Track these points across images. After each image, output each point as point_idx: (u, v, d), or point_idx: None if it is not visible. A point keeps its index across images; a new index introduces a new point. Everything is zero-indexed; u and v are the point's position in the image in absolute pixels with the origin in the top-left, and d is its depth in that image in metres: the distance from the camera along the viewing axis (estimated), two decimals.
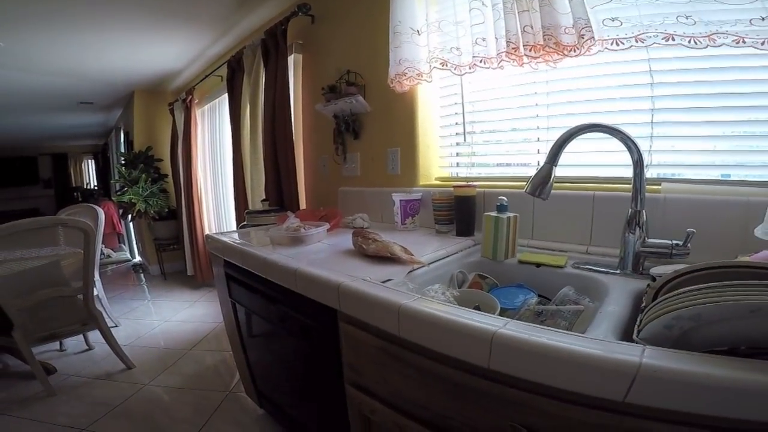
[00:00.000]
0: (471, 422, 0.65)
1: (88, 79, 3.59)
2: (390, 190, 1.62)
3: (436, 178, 1.66)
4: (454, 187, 1.35)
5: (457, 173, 1.62)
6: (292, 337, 1.15)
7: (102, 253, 4.90)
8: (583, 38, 0.99)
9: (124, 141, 5.01)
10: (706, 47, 0.87)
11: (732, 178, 0.98)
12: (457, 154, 1.61)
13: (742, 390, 0.41)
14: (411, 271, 1.00)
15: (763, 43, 0.81)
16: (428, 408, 0.72)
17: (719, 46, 0.85)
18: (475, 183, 1.36)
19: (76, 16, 2.26)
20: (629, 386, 0.46)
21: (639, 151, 0.86)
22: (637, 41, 0.95)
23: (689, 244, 0.83)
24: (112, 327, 2.56)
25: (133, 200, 3.89)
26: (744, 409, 0.41)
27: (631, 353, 0.48)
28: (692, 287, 0.52)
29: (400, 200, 1.51)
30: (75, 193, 8.49)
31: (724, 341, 0.50)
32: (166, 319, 3.04)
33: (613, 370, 0.47)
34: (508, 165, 1.45)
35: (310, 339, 1.05)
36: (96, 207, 2.71)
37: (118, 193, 4.18)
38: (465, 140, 1.53)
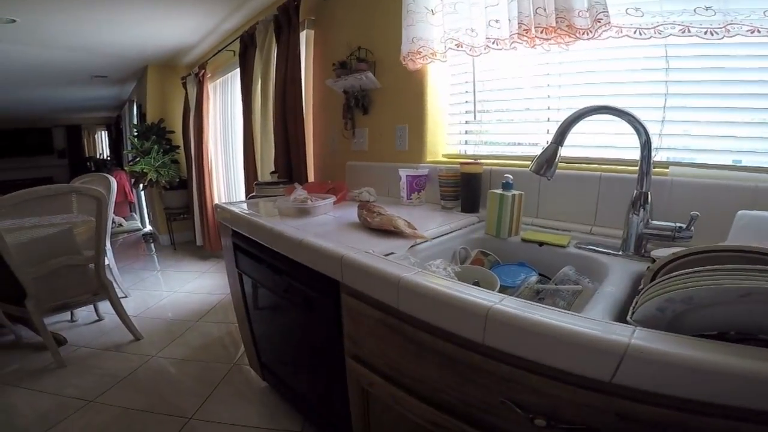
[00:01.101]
0: (463, 397, 0.67)
1: (102, 54, 3.59)
2: (397, 166, 1.62)
3: (444, 155, 1.65)
4: (460, 164, 1.35)
5: (465, 150, 1.62)
6: (295, 309, 1.18)
7: (113, 222, 4.98)
8: (599, 22, 0.97)
9: (137, 113, 5.03)
10: (722, 38, 0.85)
11: (743, 164, 0.97)
12: (466, 132, 1.60)
13: (727, 375, 0.41)
14: (414, 246, 1.00)
15: None
16: (424, 381, 0.74)
17: (733, 36, 0.83)
18: (482, 161, 1.36)
19: None
20: (617, 366, 0.46)
21: (647, 133, 0.85)
22: (655, 32, 0.93)
23: (693, 228, 0.83)
24: (121, 297, 2.59)
25: (144, 170, 3.94)
26: (729, 395, 0.42)
27: (620, 333, 0.48)
28: (686, 270, 0.52)
29: (407, 175, 1.52)
30: (88, 163, 8.61)
31: (715, 326, 0.50)
32: (175, 290, 3.10)
33: (601, 350, 0.47)
34: (518, 144, 1.44)
35: (312, 311, 1.08)
36: (108, 176, 2.75)
37: (131, 163, 4.23)
38: (475, 118, 1.52)
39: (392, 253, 0.92)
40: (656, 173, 0.95)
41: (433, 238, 1.08)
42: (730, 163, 0.98)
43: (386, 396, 0.83)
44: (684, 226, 0.84)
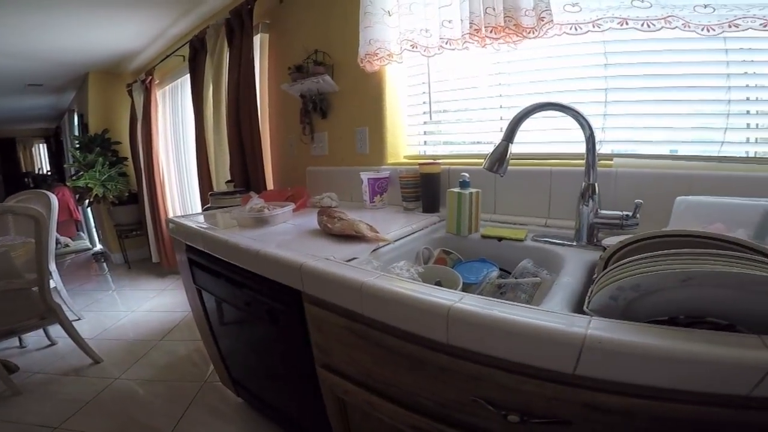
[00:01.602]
0: (437, 398, 0.67)
1: (37, 60, 3.34)
2: (359, 169, 1.62)
3: (405, 157, 1.66)
4: (419, 164, 1.36)
5: (424, 151, 1.63)
6: (260, 322, 1.14)
7: (59, 243, 4.67)
8: (542, 21, 1.01)
9: (78, 124, 4.72)
10: (660, 29, 0.90)
11: (679, 153, 1.03)
12: (425, 133, 1.62)
13: (677, 361, 0.42)
14: (376, 249, 1.00)
15: (703, 29, 0.85)
16: (397, 385, 0.74)
17: (673, 28, 0.89)
18: (440, 161, 1.38)
19: None
20: (577, 358, 0.47)
21: (591, 127, 0.89)
22: (594, 26, 0.98)
23: (638, 215, 0.87)
24: (74, 320, 2.45)
25: (89, 185, 3.71)
26: (684, 381, 0.43)
27: (577, 325, 0.49)
28: (634, 258, 0.54)
29: (368, 179, 1.52)
30: (26, 179, 8.02)
31: (665, 311, 0.52)
32: (133, 309, 2.94)
33: (560, 342, 0.48)
34: (477, 143, 1.47)
35: (277, 323, 1.05)
36: (48, 193, 2.56)
37: (74, 177, 3.98)
38: (431, 119, 1.54)
39: (355, 258, 0.91)
40: (602, 165, 1.01)
41: (396, 240, 1.08)
42: (667, 153, 1.05)
43: (362, 403, 0.82)
44: (630, 214, 0.89)
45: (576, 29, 1.00)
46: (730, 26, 0.83)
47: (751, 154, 0.96)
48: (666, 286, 0.50)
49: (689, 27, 0.87)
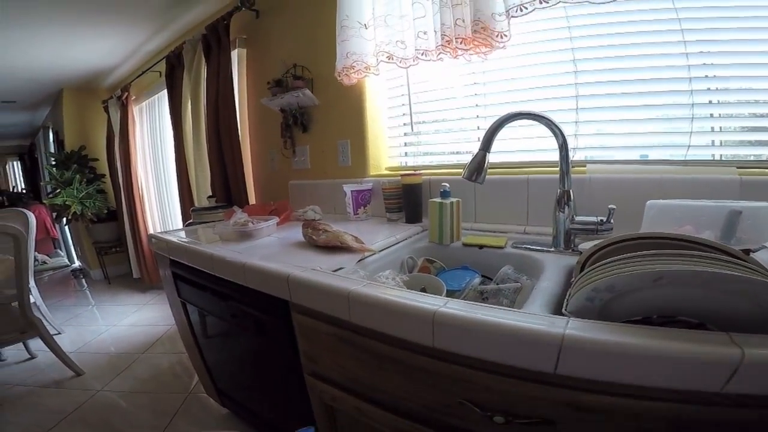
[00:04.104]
0: (424, 402, 0.68)
1: (9, 77, 3.28)
2: (342, 182, 1.64)
3: (387, 168, 1.69)
4: (401, 175, 1.39)
5: (406, 162, 1.66)
6: (246, 333, 1.14)
7: (36, 260, 4.55)
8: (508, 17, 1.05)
9: (53, 140, 4.63)
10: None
11: (649, 158, 1.08)
12: (406, 144, 1.65)
13: (651, 359, 0.44)
14: (362, 259, 1.02)
15: None
16: (385, 391, 0.75)
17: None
18: (421, 171, 1.40)
19: None
20: (557, 357, 0.49)
21: (563, 135, 0.92)
22: (541, 2, 1.00)
23: (612, 220, 0.91)
24: (55, 334, 2.41)
25: (67, 202, 3.63)
26: (659, 378, 0.44)
27: (555, 325, 0.51)
28: (608, 260, 0.56)
29: (352, 191, 1.53)
30: (1, 198, 7.77)
31: (639, 311, 0.54)
32: (114, 323, 2.90)
33: (541, 342, 0.50)
34: (456, 153, 1.49)
35: (264, 333, 1.05)
36: (26, 211, 2.50)
37: (50, 195, 3.89)
38: (412, 130, 1.57)
39: (341, 268, 0.92)
40: (576, 172, 1.04)
41: (381, 250, 1.09)
42: (638, 158, 1.10)
43: (351, 409, 0.83)
44: (605, 219, 0.92)
45: (521, 10, 1.03)
46: None
47: (717, 157, 1.01)
48: (639, 286, 0.52)
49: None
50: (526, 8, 1.02)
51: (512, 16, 1.05)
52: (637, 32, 1.04)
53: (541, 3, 0.99)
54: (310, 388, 0.94)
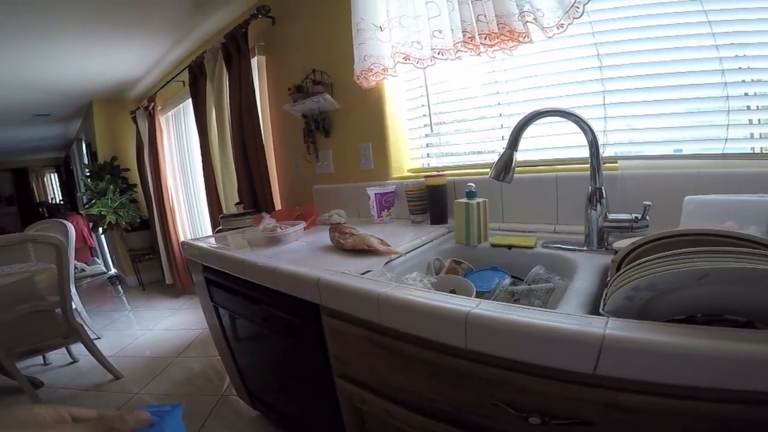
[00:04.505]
0: (455, 403, 0.68)
1: (41, 91, 3.45)
2: (365, 185, 1.64)
3: (409, 170, 1.68)
4: (425, 177, 1.38)
5: (428, 164, 1.66)
6: (277, 336, 1.16)
7: (76, 268, 4.75)
8: (536, 23, 1.03)
9: (87, 152, 4.83)
10: None
11: (684, 153, 1.04)
12: (427, 145, 1.64)
13: (697, 358, 0.43)
14: (389, 262, 1.02)
15: None
16: (414, 393, 0.75)
17: None
18: (444, 172, 1.40)
19: (22, 26, 2.17)
20: (597, 358, 0.48)
21: (593, 131, 0.90)
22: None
23: (647, 217, 0.88)
24: (94, 339, 2.55)
25: (102, 212, 3.79)
26: (704, 378, 0.43)
27: (595, 325, 0.50)
28: (648, 258, 0.55)
29: (375, 194, 1.54)
30: (40, 209, 8.16)
31: (682, 310, 0.52)
32: (149, 328, 3.00)
33: (580, 343, 0.49)
34: (478, 153, 1.48)
35: (295, 336, 1.07)
36: (65, 222, 2.65)
37: (86, 206, 4.06)
38: (432, 131, 1.57)
39: (369, 271, 0.93)
40: (607, 168, 1.01)
41: (407, 253, 1.09)
42: (672, 152, 1.06)
43: (380, 411, 0.83)
44: (639, 216, 0.89)
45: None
46: None
47: (757, 150, 0.96)
48: (682, 285, 0.50)
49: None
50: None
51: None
52: (665, 25, 1.00)
53: None
54: (340, 390, 0.95)
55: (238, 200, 2.28)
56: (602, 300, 0.59)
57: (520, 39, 1.08)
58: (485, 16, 1.11)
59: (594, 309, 0.66)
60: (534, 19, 1.03)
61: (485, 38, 1.12)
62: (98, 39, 2.53)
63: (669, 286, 0.51)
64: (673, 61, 1.00)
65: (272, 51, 2.14)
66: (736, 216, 0.74)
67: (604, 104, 1.11)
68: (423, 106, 1.57)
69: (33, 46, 2.47)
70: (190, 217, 3.73)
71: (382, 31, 1.40)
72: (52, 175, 8.89)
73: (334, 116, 1.84)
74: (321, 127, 1.86)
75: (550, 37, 1.05)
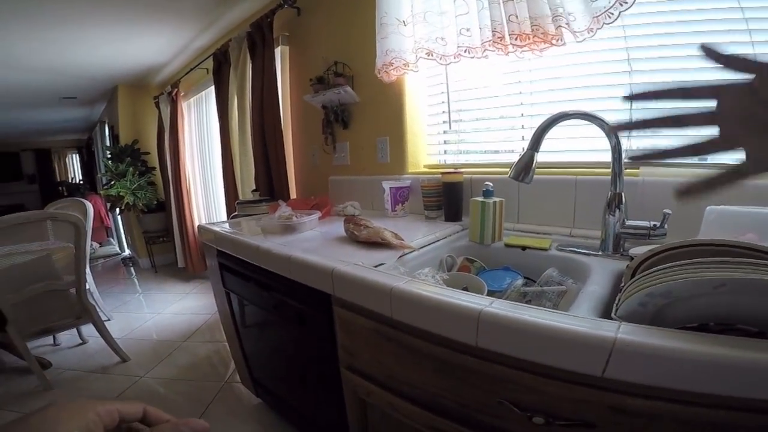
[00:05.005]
0: (460, 399, 0.68)
1: (70, 75, 3.53)
2: (380, 178, 1.64)
3: (425, 166, 1.68)
4: (442, 173, 1.38)
5: (444, 160, 1.65)
6: (286, 324, 1.18)
7: (91, 247, 4.87)
8: (567, 27, 1.02)
9: (109, 135, 4.93)
10: None
11: (708, 161, 1.02)
12: (445, 142, 1.63)
13: (708, 365, 0.43)
14: (402, 256, 1.02)
15: None
16: (421, 387, 0.75)
17: None
18: (462, 170, 1.39)
19: (55, 11, 2.22)
20: (606, 361, 0.48)
21: (617, 136, 0.89)
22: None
23: (666, 225, 0.87)
24: (105, 321, 2.57)
25: (121, 193, 3.87)
26: (713, 385, 0.43)
27: (606, 329, 0.50)
28: (664, 266, 0.54)
29: (390, 188, 1.54)
30: (60, 188, 8.35)
31: (695, 318, 0.52)
32: (158, 311, 3.05)
33: (590, 345, 0.49)
34: (495, 152, 1.47)
35: (304, 324, 1.08)
36: (84, 201, 2.68)
37: (105, 186, 4.14)
38: (450, 128, 1.56)
39: (382, 264, 0.93)
40: (628, 174, 1.00)
41: (420, 248, 1.09)
42: (696, 161, 1.04)
43: (384, 404, 0.84)
44: (658, 224, 0.88)
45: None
46: None
47: None
48: (697, 293, 0.50)
49: None
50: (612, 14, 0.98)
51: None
52: (700, 32, 0.98)
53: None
54: (346, 381, 0.96)
55: (254, 187, 2.31)
56: (615, 305, 0.59)
57: (553, 42, 1.07)
58: (517, 16, 1.09)
59: (606, 313, 0.66)
60: (566, 23, 1.02)
61: (516, 38, 1.11)
62: (127, 25, 2.57)
63: (684, 294, 0.51)
64: (703, 69, 0.98)
65: (296, 41, 2.16)
66: (758, 229, 0.72)
67: (630, 109, 1.09)
68: (443, 102, 1.57)
69: (64, 31, 2.52)
70: (205, 202, 3.78)
71: (405, 26, 1.40)
72: (73, 155, 9.08)
73: (354, 109, 1.85)
74: (340, 119, 1.87)
75: (579, 42, 1.04)
